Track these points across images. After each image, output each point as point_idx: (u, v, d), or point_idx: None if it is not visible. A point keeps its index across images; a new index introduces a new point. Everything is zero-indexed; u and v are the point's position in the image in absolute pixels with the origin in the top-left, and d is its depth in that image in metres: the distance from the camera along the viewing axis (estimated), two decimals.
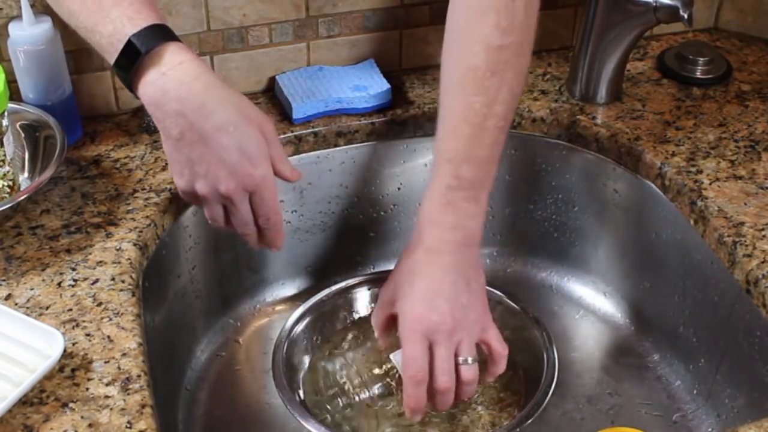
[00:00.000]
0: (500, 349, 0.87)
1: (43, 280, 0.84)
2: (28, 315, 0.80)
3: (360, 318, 1.04)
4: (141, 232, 0.90)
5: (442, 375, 0.83)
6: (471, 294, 0.85)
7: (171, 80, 0.78)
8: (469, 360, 0.84)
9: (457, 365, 0.84)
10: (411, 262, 0.85)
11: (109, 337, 0.79)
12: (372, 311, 0.91)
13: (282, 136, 1.03)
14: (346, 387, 0.96)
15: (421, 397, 0.84)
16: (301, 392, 0.95)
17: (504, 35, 0.80)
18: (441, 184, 0.84)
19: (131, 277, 0.85)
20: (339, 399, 0.94)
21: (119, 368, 0.76)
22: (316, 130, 1.05)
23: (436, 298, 0.83)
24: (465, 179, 0.83)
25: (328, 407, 0.94)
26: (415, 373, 0.83)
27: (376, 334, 0.91)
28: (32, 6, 0.94)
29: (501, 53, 0.81)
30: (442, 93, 0.84)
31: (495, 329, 0.87)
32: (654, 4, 0.98)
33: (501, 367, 0.88)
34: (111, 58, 0.80)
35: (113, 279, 0.85)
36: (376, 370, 0.98)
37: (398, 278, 0.86)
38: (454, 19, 0.84)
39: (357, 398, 0.94)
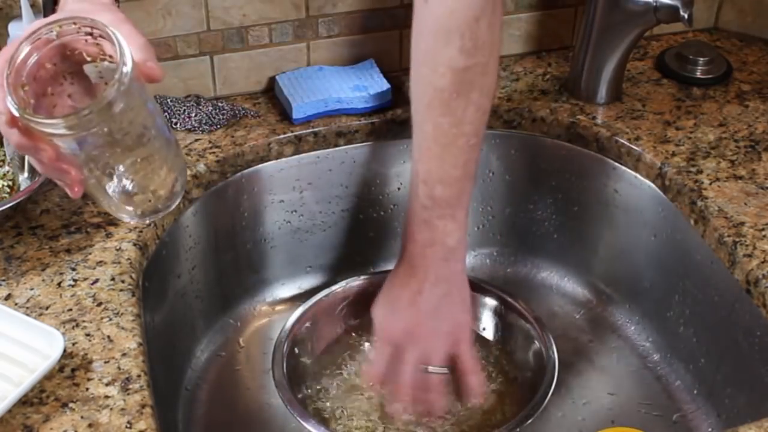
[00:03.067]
0: (469, 364, 0.90)
1: (43, 280, 0.84)
2: (28, 315, 0.80)
3: (360, 318, 1.04)
4: (141, 232, 0.90)
5: (397, 376, 0.89)
6: (449, 306, 0.88)
7: None
8: (434, 369, 0.88)
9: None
10: (392, 275, 0.90)
11: (109, 337, 0.79)
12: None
13: (282, 136, 1.03)
14: (346, 386, 0.96)
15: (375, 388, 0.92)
16: (301, 392, 0.95)
17: (468, 57, 0.80)
18: (417, 205, 0.87)
19: (131, 277, 0.85)
20: (339, 398, 0.94)
21: (119, 368, 0.76)
22: (316, 130, 1.05)
23: (407, 308, 0.88)
24: (439, 199, 0.85)
25: (328, 407, 0.94)
26: (371, 378, 0.91)
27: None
28: (32, 6, 0.94)
29: (466, 74, 0.81)
30: (413, 115, 0.86)
31: (469, 345, 0.90)
32: (654, 4, 0.98)
33: (473, 382, 0.91)
34: None
35: (113, 279, 0.85)
36: None
37: (381, 291, 0.91)
38: (419, 44, 0.83)
39: (357, 397, 0.94)
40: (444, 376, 0.89)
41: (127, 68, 0.65)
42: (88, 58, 0.69)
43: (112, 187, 0.73)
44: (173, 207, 0.76)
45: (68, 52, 0.69)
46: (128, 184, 0.73)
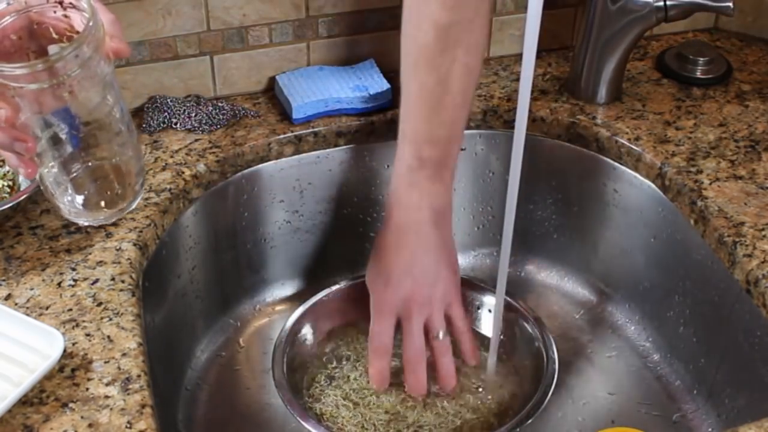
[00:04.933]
0: (461, 325, 0.91)
1: (43, 280, 0.84)
2: (28, 315, 0.80)
3: (360, 317, 1.04)
4: (141, 232, 0.90)
5: (410, 347, 0.89)
6: (440, 270, 0.88)
7: None
8: (440, 334, 0.89)
9: (430, 341, 0.89)
10: (381, 241, 0.89)
11: (109, 337, 0.79)
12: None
13: (282, 136, 1.03)
14: (347, 386, 0.96)
15: (384, 370, 0.91)
16: (301, 392, 0.95)
17: (450, 12, 0.80)
18: (404, 166, 0.86)
19: (131, 277, 0.85)
20: (339, 398, 0.94)
21: (119, 368, 0.76)
22: (316, 130, 1.05)
23: (403, 276, 0.87)
24: (427, 159, 0.85)
25: (328, 406, 0.94)
26: (377, 346, 0.90)
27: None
28: None
29: (449, 31, 0.81)
30: (401, 75, 0.86)
31: (460, 307, 0.91)
32: (653, 3, 0.98)
33: (466, 344, 0.93)
34: None
35: (113, 279, 0.85)
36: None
37: (371, 259, 0.91)
38: (405, 1, 0.83)
39: (357, 396, 0.94)
40: (447, 338, 0.90)
41: (95, 29, 0.65)
42: (55, 36, 0.69)
43: (68, 185, 0.72)
44: (131, 208, 0.76)
45: (35, 26, 0.68)
46: (85, 185, 0.72)
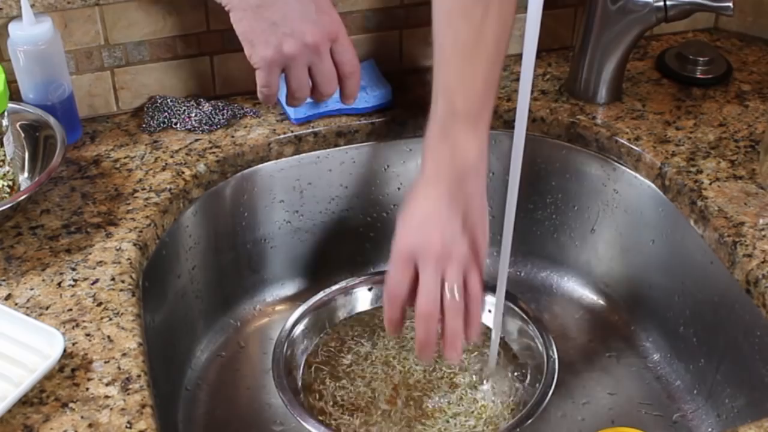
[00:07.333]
0: (474, 292, 0.85)
1: (43, 280, 0.84)
2: (28, 315, 0.80)
3: (360, 317, 1.04)
4: (141, 232, 0.90)
5: (424, 296, 0.83)
6: (466, 225, 0.85)
7: None
8: (455, 291, 0.83)
9: (442, 299, 0.84)
10: (412, 190, 0.87)
11: (109, 337, 0.79)
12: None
13: (282, 136, 1.03)
14: (347, 385, 0.96)
15: (396, 319, 0.86)
16: (301, 392, 0.95)
17: None
18: (437, 115, 0.84)
19: (131, 277, 0.85)
20: (340, 397, 0.94)
21: (119, 368, 0.76)
22: (316, 130, 1.05)
23: (426, 223, 0.84)
24: (460, 112, 0.83)
25: (329, 406, 0.94)
26: (391, 292, 0.85)
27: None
28: (32, 6, 0.94)
29: None
30: (434, 25, 0.85)
31: (478, 275, 0.85)
32: (653, 3, 0.98)
33: (474, 314, 0.86)
34: None
35: (113, 279, 0.85)
36: (375, 368, 0.98)
37: (402, 207, 0.87)
38: None
39: (357, 396, 0.94)
40: (461, 298, 0.84)
41: None
42: None
43: None
44: None
45: None
46: None
